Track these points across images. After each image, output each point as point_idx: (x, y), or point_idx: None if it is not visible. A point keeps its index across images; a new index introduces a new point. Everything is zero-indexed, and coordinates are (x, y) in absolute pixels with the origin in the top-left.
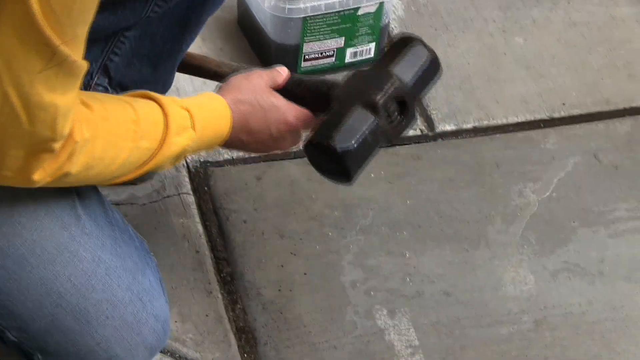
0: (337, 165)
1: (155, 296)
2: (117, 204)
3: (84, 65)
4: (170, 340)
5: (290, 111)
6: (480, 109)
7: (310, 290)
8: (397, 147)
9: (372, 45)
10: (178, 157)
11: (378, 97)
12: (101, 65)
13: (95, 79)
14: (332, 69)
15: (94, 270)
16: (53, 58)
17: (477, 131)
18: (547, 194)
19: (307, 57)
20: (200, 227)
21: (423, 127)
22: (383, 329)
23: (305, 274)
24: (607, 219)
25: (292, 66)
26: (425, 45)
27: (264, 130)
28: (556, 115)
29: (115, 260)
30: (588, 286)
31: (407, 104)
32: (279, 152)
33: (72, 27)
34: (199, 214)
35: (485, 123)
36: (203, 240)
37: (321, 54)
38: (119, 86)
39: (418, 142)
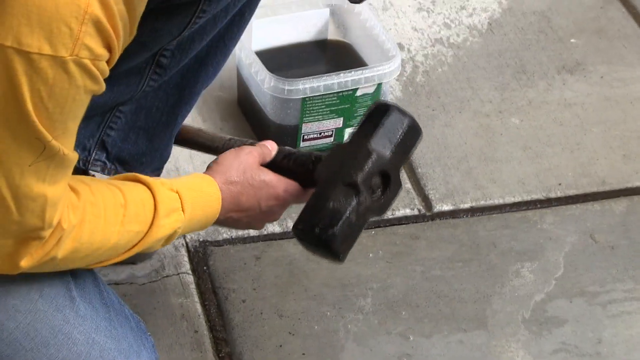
0: (324, 249)
1: None
2: (116, 283)
3: (74, 158)
4: None
5: (279, 186)
6: (478, 189)
7: None
8: (396, 226)
9: None
10: (168, 238)
11: (358, 176)
12: (98, 141)
13: (93, 154)
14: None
15: (88, 353)
16: (44, 152)
17: (474, 211)
18: (544, 274)
19: (305, 137)
20: (199, 307)
21: (421, 207)
22: None
23: (303, 354)
24: (604, 299)
25: (292, 146)
26: (401, 112)
27: (254, 207)
28: (552, 195)
29: (110, 342)
30: None
31: (389, 175)
32: (267, 224)
33: (64, 122)
34: (197, 294)
35: (482, 203)
36: (202, 320)
37: (320, 133)
38: (117, 160)
39: (416, 222)
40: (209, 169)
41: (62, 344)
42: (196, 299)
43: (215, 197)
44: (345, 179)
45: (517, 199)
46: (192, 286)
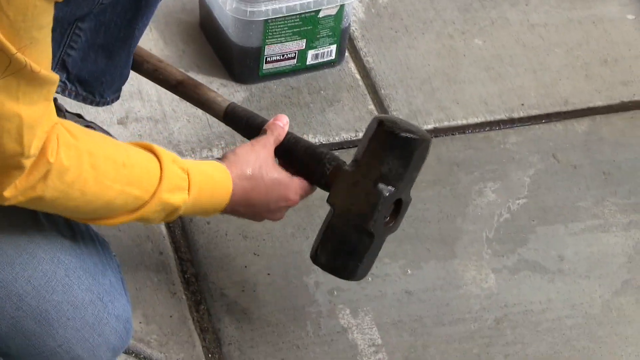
0: (346, 279)
1: (116, 296)
2: None
3: (51, 78)
4: (135, 341)
5: (291, 187)
6: (441, 110)
7: (273, 290)
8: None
9: (333, 47)
10: (169, 214)
11: (371, 225)
12: (59, 61)
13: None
14: (294, 70)
15: (53, 272)
16: (10, 66)
17: (437, 132)
18: (507, 193)
19: (268, 59)
20: (163, 229)
21: None
22: (346, 328)
23: (268, 274)
24: (566, 217)
25: (254, 68)
26: (413, 134)
27: (262, 205)
28: (515, 115)
29: (75, 261)
30: (548, 284)
31: (402, 201)
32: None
33: (28, 31)
34: None
35: (445, 124)
36: (167, 241)
37: (283, 55)
38: (77, 80)
39: None
40: (224, 158)
41: (27, 262)
42: None
43: (226, 188)
44: (359, 225)
45: (480, 119)
46: None
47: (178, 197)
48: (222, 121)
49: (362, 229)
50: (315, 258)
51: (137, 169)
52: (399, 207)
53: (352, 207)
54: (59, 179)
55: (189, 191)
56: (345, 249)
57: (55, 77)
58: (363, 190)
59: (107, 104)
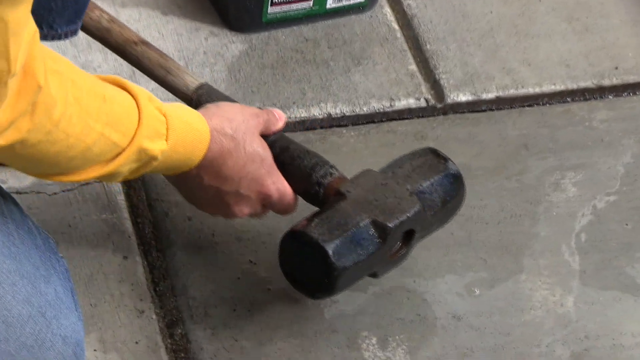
0: (323, 276)
1: (64, 311)
2: (18, 192)
3: None
4: None
5: (272, 172)
6: (506, 73)
7: (275, 310)
8: (395, 122)
9: None
10: (141, 167)
11: (392, 223)
12: None
13: None
14: (309, 16)
15: None
16: None
17: (501, 103)
18: (593, 187)
19: (275, 0)
20: (129, 225)
21: (429, 97)
22: None
23: (269, 289)
24: None
25: (256, 12)
26: (461, 178)
27: (234, 179)
28: (606, 83)
29: (9, 263)
30: None
31: (414, 235)
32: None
33: None
34: (127, 208)
35: (512, 92)
36: (133, 242)
37: None
38: None
39: (422, 116)
40: (204, 108)
41: None
42: (126, 214)
43: (203, 140)
44: (378, 216)
45: (559, 87)
46: (121, 197)
47: (157, 145)
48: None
49: (378, 224)
50: (305, 230)
51: (116, 106)
52: (406, 242)
53: (375, 202)
54: (46, 115)
55: (167, 139)
56: (351, 235)
57: None
58: (394, 193)
59: (60, 39)
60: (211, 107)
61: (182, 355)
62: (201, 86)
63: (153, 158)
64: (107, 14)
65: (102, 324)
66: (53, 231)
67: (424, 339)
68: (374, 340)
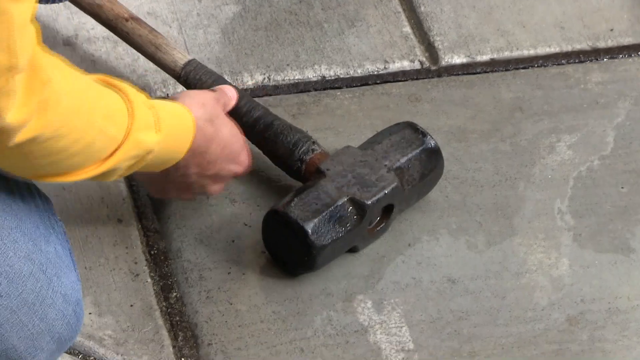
0: (303, 253)
1: (64, 270)
2: None
3: None
4: (83, 337)
5: (245, 147)
6: (501, 35)
7: (269, 273)
8: (389, 84)
9: None
10: (138, 161)
11: (370, 200)
12: None
13: None
14: None
15: None
16: None
17: (495, 65)
18: (588, 149)
19: None
20: (124, 188)
21: (423, 59)
22: (367, 327)
23: (263, 252)
24: None
25: None
26: (439, 151)
27: (216, 161)
28: (601, 45)
29: (10, 220)
30: None
31: (393, 209)
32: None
33: None
34: None
35: (506, 54)
36: (128, 205)
37: None
38: None
39: (416, 79)
40: (178, 96)
41: None
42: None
43: (189, 128)
44: (356, 195)
45: (554, 49)
46: None
47: (151, 138)
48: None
49: (356, 201)
50: (285, 209)
51: (110, 100)
52: (385, 216)
53: (354, 180)
54: (55, 110)
55: (159, 130)
56: (329, 213)
57: None
58: (372, 171)
59: (54, 2)
60: (184, 97)
61: (177, 318)
62: (189, 62)
63: (149, 151)
64: None
65: (97, 287)
66: (47, 194)
67: (419, 302)
68: (369, 304)
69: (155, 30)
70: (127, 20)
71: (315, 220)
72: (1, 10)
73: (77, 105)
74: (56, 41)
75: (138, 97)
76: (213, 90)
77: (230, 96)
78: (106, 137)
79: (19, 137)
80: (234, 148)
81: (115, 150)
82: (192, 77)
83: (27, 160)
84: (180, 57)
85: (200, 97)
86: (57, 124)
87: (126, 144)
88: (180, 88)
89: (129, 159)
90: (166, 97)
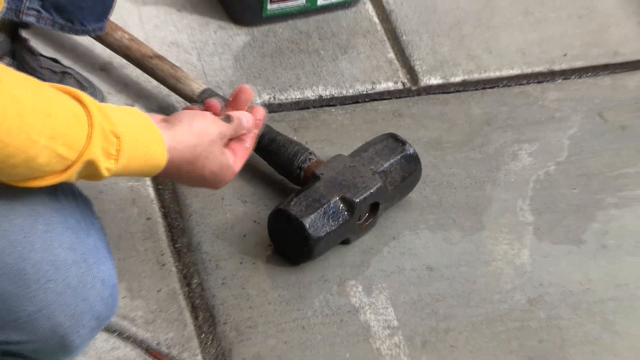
0: (302, 245)
1: (102, 259)
2: None
3: None
4: (118, 318)
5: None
6: (471, 59)
7: (275, 263)
8: (376, 102)
9: None
10: (89, 177)
11: (358, 198)
12: None
13: (26, 2)
14: (303, 11)
15: (31, 226)
16: None
17: (466, 85)
18: (545, 156)
19: None
20: (151, 191)
21: (405, 80)
22: (358, 308)
23: (270, 245)
24: (612, 185)
25: (257, 8)
26: (417, 157)
27: (195, 174)
28: (557, 67)
29: (56, 216)
30: (589, 261)
31: (379, 207)
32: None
33: None
34: (150, 177)
35: (475, 76)
36: (155, 206)
37: None
38: (52, 6)
39: (399, 97)
40: (177, 116)
41: (3, 216)
42: (148, 182)
43: (158, 161)
44: (346, 193)
45: (516, 71)
46: None
47: (104, 164)
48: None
49: (349, 200)
50: (287, 208)
51: (62, 122)
52: (371, 214)
53: (344, 182)
54: None
55: (117, 159)
56: (323, 210)
57: None
58: (359, 174)
59: (89, 34)
60: (180, 119)
61: (198, 301)
62: (204, 91)
63: (100, 174)
64: (128, 33)
65: (129, 275)
66: (88, 196)
67: (402, 287)
68: (360, 288)
69: (175, 65)
70: (151, 58)
71: (312, 216)
72: None
73: (12, 124)
74: (94, 66)
75: (103, 124)
76: (226, 114)
77: (244, 125)
78: (53, 154)
79: None
80: (210, 179)
81: (65, 170)
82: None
83: None
84: (197, 87)
85: (197, 124)
86: None
87: (76, 164)
88: None
89: (79, 172)
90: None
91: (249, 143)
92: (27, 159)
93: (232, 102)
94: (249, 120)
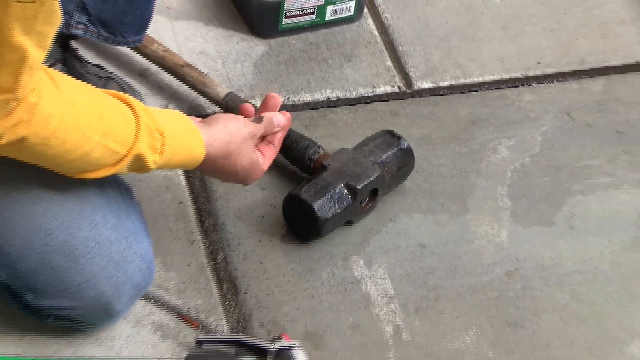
0: (312, 225)
1: (140, 238)
2: None
3: (59, 16)
4: (154, 287)
5: (257, 156)
6: (457, 67)
7: (289, 241)
8: (376, 103)
9: (352, 3)
10: (138, 169)
11: (360, 185)
12: (79, 3)
13: (75, 17)
14: (313, 25)
15: (80, 209)
16: None
17: (453, 89)
18: (521, 150)
19: (288, 14)
20: (183, 179)
21: (401, 85)
22: (360, 279)
23: (284, 225)
24: (578, 175)
25: (274, 23)
26: (411, 151)
27: (230, 168)
28: (531, 74)
29: (101, 201)
30: (559, 240)
31: (378, 192)
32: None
33: None
34: None
35: (461, 81)
36: (186, 192)
37: (302, 11)
38: (98, 21)
39: (396, 99)
40: (214, 118)
41: (54, 199)
42: (180, 171)
43: (197, 157)
44: (350, 181)
45: (496, 77)
46: None
47: (151, 157)
48: (220, 107)
49: (352, 187)
50: (299, 193)
51: (114, 121)
52: (371, 199)
53: (348, 171)
54: (41, 125)
55: (161, 153)
56: (330, 195)
57: (62, 16)
58: (361, 165)
59: (129, 45)
60: (217, 121)
61: (222, 273)
62: (228, 94)
63: (147, 166)
64: (162, 46)
65: (163, 251)
66: (129, 184)
67: (398, 262)
68: (361, 262)
69: (203, 73)
70: (182, 66)
71: (320, 200)
72: (20, 45)
73: (69, 124)
74: (133, 72)
75: (149, 123)
76: (258, 116)
77: (277, 122)
78: (105, 151)
79: (6, 139)
80: (241, 174)
81: (117, 162)
82: (230, 105)
83: (35, 159)
84: (221, 91)
85: (230, 124)
86: (44, 135)
87: (127, 157)
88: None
89: (129, 165)
90: (227, 107)
91: (276, 145)
92: (83, 154)
93: (263, 107)
94: (280, 119)
